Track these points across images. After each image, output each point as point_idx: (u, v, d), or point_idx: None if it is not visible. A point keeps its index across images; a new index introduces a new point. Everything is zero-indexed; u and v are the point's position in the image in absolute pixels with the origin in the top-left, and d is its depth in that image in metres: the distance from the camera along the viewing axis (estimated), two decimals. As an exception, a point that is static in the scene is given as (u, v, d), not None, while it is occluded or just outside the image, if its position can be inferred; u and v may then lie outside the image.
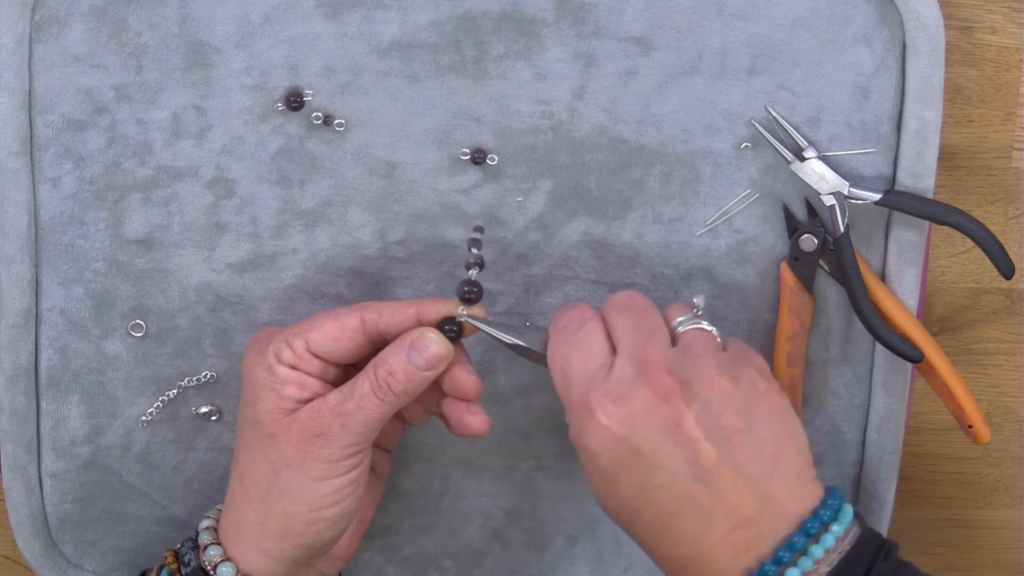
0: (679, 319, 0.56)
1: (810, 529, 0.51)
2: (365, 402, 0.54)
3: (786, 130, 0.62)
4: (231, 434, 0.64)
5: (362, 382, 0.55)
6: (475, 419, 0.58)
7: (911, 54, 0.61)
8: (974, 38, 0.66)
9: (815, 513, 0.51)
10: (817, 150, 0.62)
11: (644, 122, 0.62)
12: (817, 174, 0.62)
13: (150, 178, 0.61)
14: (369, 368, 0.55)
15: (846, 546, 0.51)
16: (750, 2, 0.61)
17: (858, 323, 0.63)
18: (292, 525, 0.55)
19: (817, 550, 0.51)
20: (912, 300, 0.64)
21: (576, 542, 0.67)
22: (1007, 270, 0.61)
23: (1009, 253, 0.61)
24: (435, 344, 0.55)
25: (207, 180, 0.61)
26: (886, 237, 0.64)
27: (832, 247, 0.63)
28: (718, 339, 0.55)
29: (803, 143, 0.62)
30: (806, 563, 0.50)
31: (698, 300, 0.56)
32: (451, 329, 0.56)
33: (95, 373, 0.63)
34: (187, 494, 0.65)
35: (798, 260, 0.63)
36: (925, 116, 0.62)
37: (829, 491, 0.53)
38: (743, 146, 0.62)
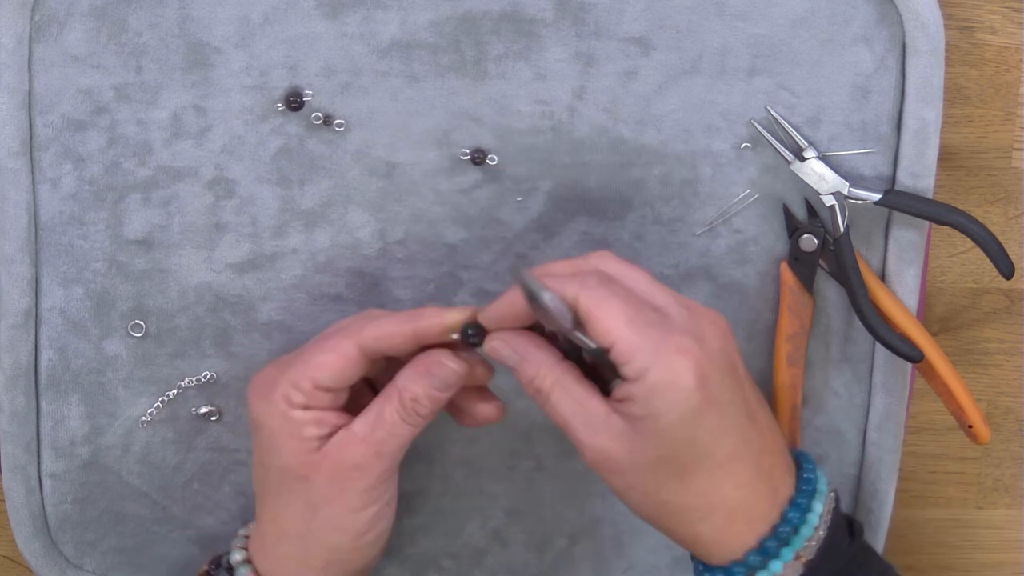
0: None
1: (813, 465, 0.56)
2: (397, 429, 0.54)
3: (786, 130, 0.62)
4: (231, 434, 0.64)
5: (390, 411, 0.54)
6: (489, 407, 0.58)
7: (911, 54, 0.61)
8: (974, 38, 0.66)
9: (800, 452, 0.57)
10: (817, 150, 0.62)
11: (644, 122, 0.62)
12: (817, 174, 0.62)
13: (150, 178, 0.61)
14: (392, 395, 0.55)
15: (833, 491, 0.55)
16: (750, 2, 0.61)
17: (858, 323, 0.63)
18: (336, 555, 0.55)
19: (823, 486, 0.55)
20: (912, 300, 0.64)
21: (576, 542, 0.67)
22: (1007, 270, 0.61)
23: (1009, 253, 0.61)
24: (450, 367, 0.55)
25: (207, 180, 0.61)
26: (886, 237, 0.64)
27: (832, 247, 0.63)
28: None
29: (803, 143, 0.62)
30: (823, 491, 0.55)
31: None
32: (474, 335, 0.55)
33: (95, 373, 0.63)
34: (187, 494, 0.65)
35: (798, 260, 0.63)
36: (925, 116, 0.62)
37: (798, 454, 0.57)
38: (743, 146, 0.63)
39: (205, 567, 0.58)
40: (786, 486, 0.54)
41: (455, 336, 0.55)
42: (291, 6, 0.60)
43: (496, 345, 0.54)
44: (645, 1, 0.61)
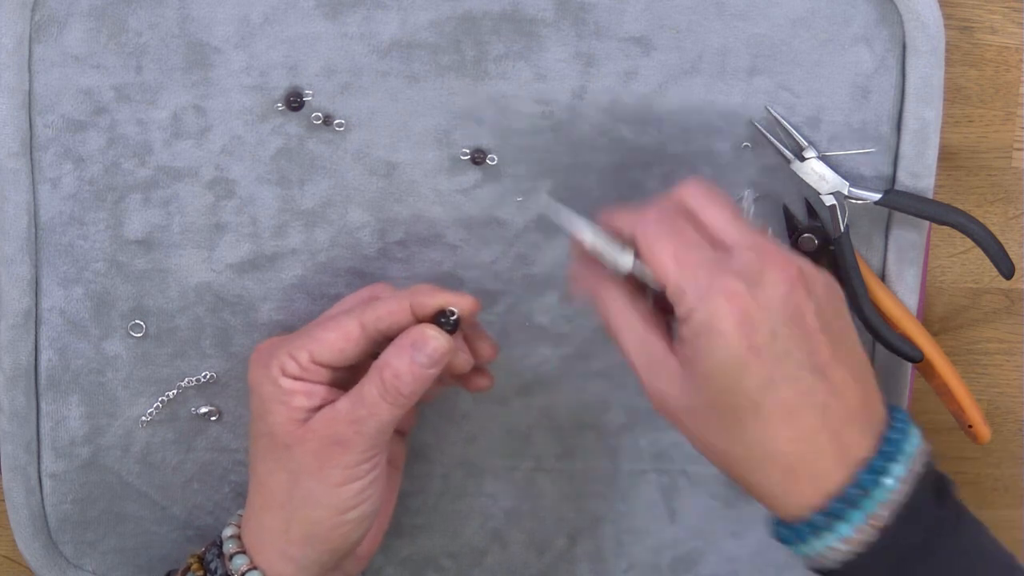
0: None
1: (905, 425, 0.51)
2: (376, 408, 0.54)
3: (786, 130, 0.62)
4: (231, 434, 0.64)
5: (370, 388, 0.54)
6: (484, 379, 0.59)
7: (911, 54, 0.61)
8: (974, 38, 0.66)
9: (897, 410, 0.52)
10: (817, 150, 0.62)
11: (644, 122, 0.62)
12: (817, 174, 0.62)
13: (150, 178, 0.61)
14: (374, 372, 0.54)
15: (926, 446, 0.52)
16: (750, 2, 0.61)
17: (858, 323, 0.63)
18: (316, 530, 0.55)
19: (910, 447, 0.51)
20: (912, 300, 0.64)
21: (576, 542, 0.67)
22: (1007, 270, 0.61)
23: (1009, 253, 0.61)
24: (435, 340, 0.54)
25: (207, 180, 0.61)
26: (886, 237, 0.64)
27: (832, 247, 0.63)
28: None
29: (803, 143, 0.62)
30: (909, 451, 0.50)
31: (747, 195, 0.55)
32: (447, 322, 0.55)
33: (95, 373, 0.63)
34: (187, 494, 0.65)
35: (798, 260, 0.63)
36: (925, 116, 0.62)
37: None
38: (743, 146, 0.63)
39: (204, 547, 0.58)
40: (862, 446, 0.50)
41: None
42: (291, 6, 0.60)
43: (572, 287, 0.55)
44: (645, 1, 0.61)
